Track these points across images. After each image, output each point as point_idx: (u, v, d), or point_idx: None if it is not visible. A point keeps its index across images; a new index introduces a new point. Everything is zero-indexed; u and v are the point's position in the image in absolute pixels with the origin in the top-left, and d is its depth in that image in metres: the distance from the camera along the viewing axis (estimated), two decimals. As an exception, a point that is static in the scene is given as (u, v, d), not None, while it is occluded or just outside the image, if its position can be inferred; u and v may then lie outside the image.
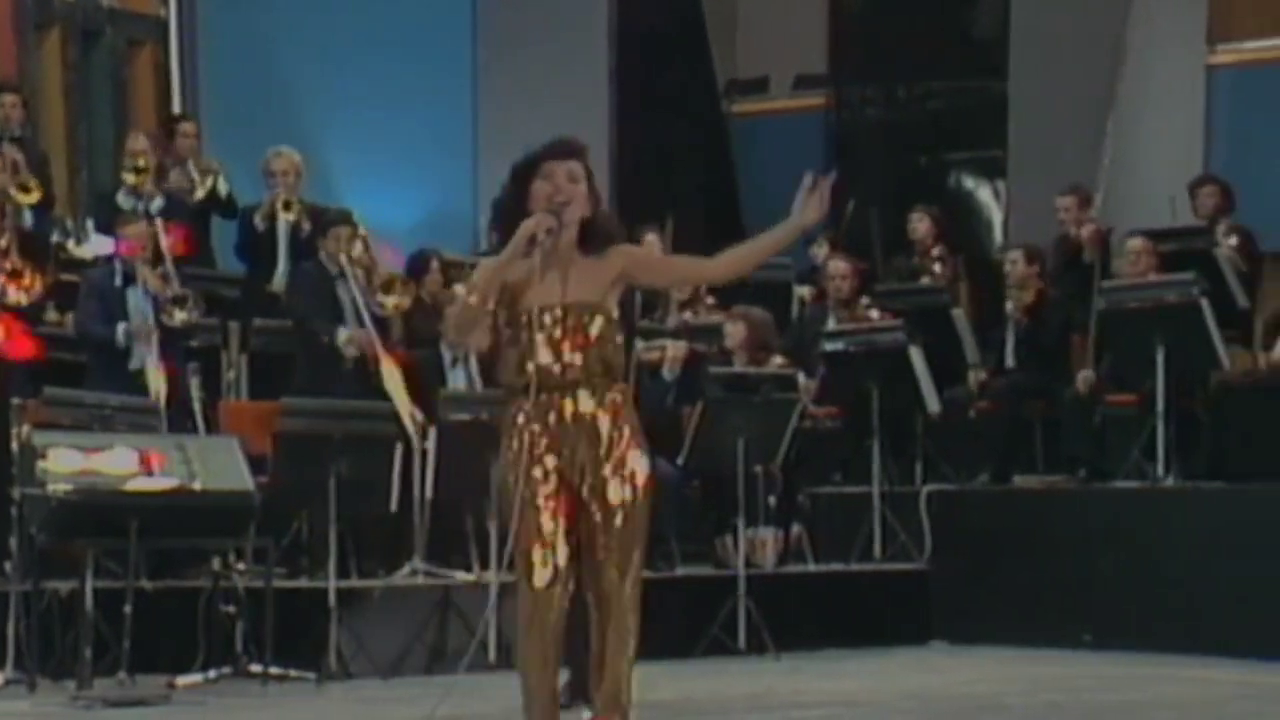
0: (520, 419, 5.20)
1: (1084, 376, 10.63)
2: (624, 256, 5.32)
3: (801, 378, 10.69)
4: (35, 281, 9.74)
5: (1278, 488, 9.76)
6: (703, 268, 5.69)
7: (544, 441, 5.19)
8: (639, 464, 5.24)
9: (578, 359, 5.19)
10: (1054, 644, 9.89)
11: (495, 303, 5.25)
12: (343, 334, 9.70)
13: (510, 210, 5.28)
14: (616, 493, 5.20)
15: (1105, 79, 13.13)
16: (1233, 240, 11.05)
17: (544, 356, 5.18)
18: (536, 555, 5.18)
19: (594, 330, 5.20)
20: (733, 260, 5.56)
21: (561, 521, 5.20)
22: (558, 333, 5.19)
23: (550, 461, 5.20)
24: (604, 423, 5.20)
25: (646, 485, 5.25)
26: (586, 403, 5.20)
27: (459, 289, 9.98)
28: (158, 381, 9.32)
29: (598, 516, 5.19)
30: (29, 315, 9.84)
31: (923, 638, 10.36)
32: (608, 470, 5.19)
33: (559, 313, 5.19)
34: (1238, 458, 10.14)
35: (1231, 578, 9.52)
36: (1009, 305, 11.14)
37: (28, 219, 10.47)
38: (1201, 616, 9.58)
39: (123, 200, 10.65)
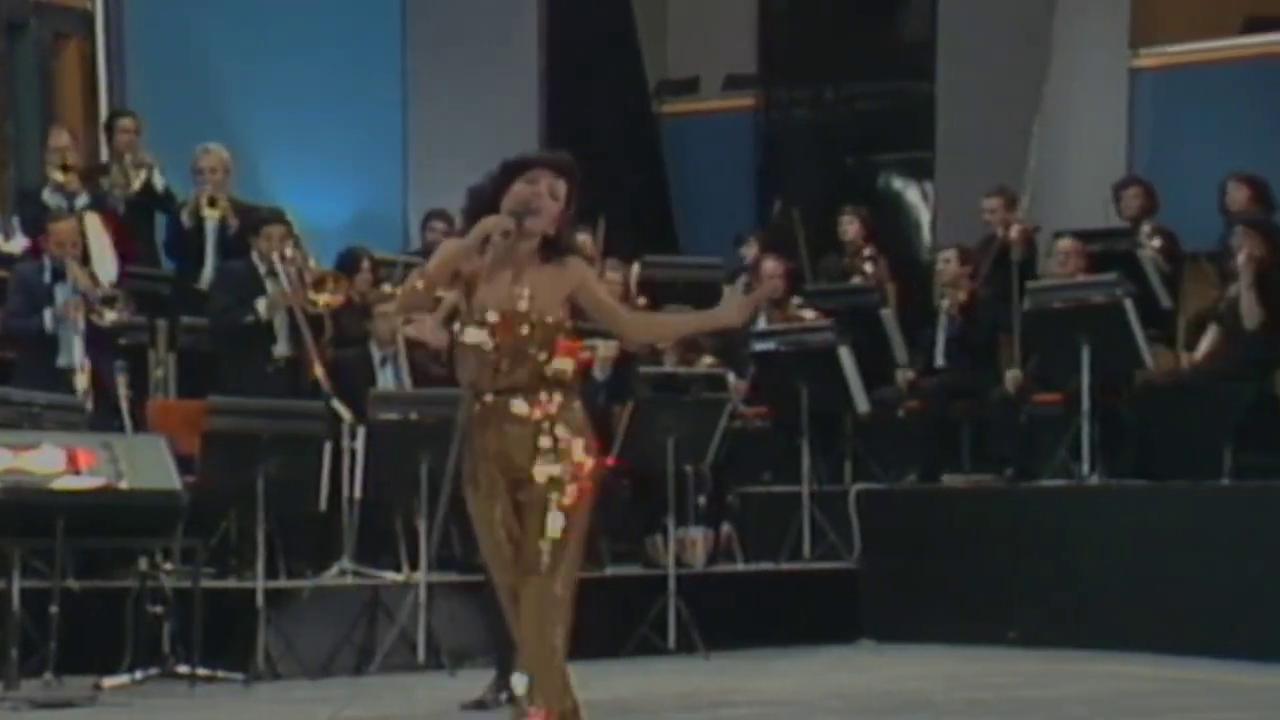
0: (471, 419, 5.21)
1: (1012, 376, 10.72)
2: (579, 276, 5.32)
3: (731, 378, 10.73)
4: None
5: (1201, 486, 9.88)
6: (624, 325, 5.64)
7: (492, 444, 5.19)
8: (569, 469, 5.21)
9: (518, 364, 5.19)
10: (981, 642, 9.97)
11: (452, 291, 5.24)
12: (261, 304, 9.62)
13: (483, 202, 5.26)
14: (545, 495, 5.19)
15: (1032, 81, 13.22)
16: (1156, 241, 11.17)
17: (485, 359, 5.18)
18: (498, 554, 5.18)
19: (538, 336, 5.19)
20: (650, 328, 6.16)
21: (507, 518, 5.20)
22: (501, 336, 5.19)
23: (493, 463, 5.20)
24: (540, 426, 5.19)
25: (581, 491, 5.22)
26: (521, 407, 5.19)
27: (387, 288, 9.97)
28: (84, 378, 9.26)
29: (531, 518, 5.19)
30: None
31: (851, 636, 10.42)
32: (540, 472, 5.18)
33: (500, 317, 5.18)
34: (1162, 456, 10.25)
35: (1155, 575, 9.62)
36: (944, 303, 11.22)
37: None
38: (1125, 613, 9.68)
39: (49, 198, 10.56)
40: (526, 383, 5.18)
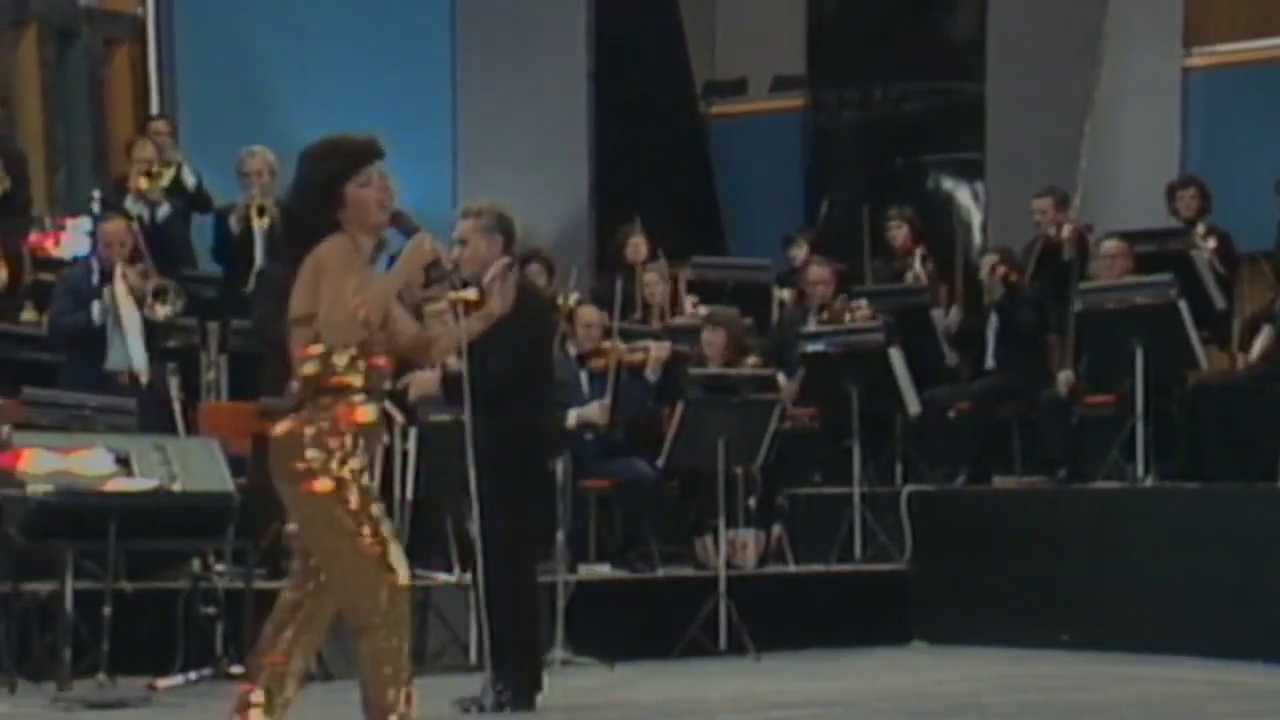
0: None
1: (1064, 377, 10.66)
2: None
3: (781, 379, 10.70)
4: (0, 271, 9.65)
5: (1254, 487, 9.81)
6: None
7: None
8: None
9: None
10: (1032, 644, 9.92)
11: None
12: None
13: (311, 219, 5.13)
14: None
15: (1082, 81, 13.16)
16: (1211, 242, 11.09)
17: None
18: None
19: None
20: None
21: None
22: None
23: None
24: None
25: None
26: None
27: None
28: (140, 357, 9.28)
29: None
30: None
31: (902, 638, 10.38)
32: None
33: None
34: (1214, 458, 10.17)
35: (1208, 578, 9.55)
36: (986, 302, 11.18)
37: None
38: (1178, 616, 9.62)
39: (131, 206, 10.57)
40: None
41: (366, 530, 5.14)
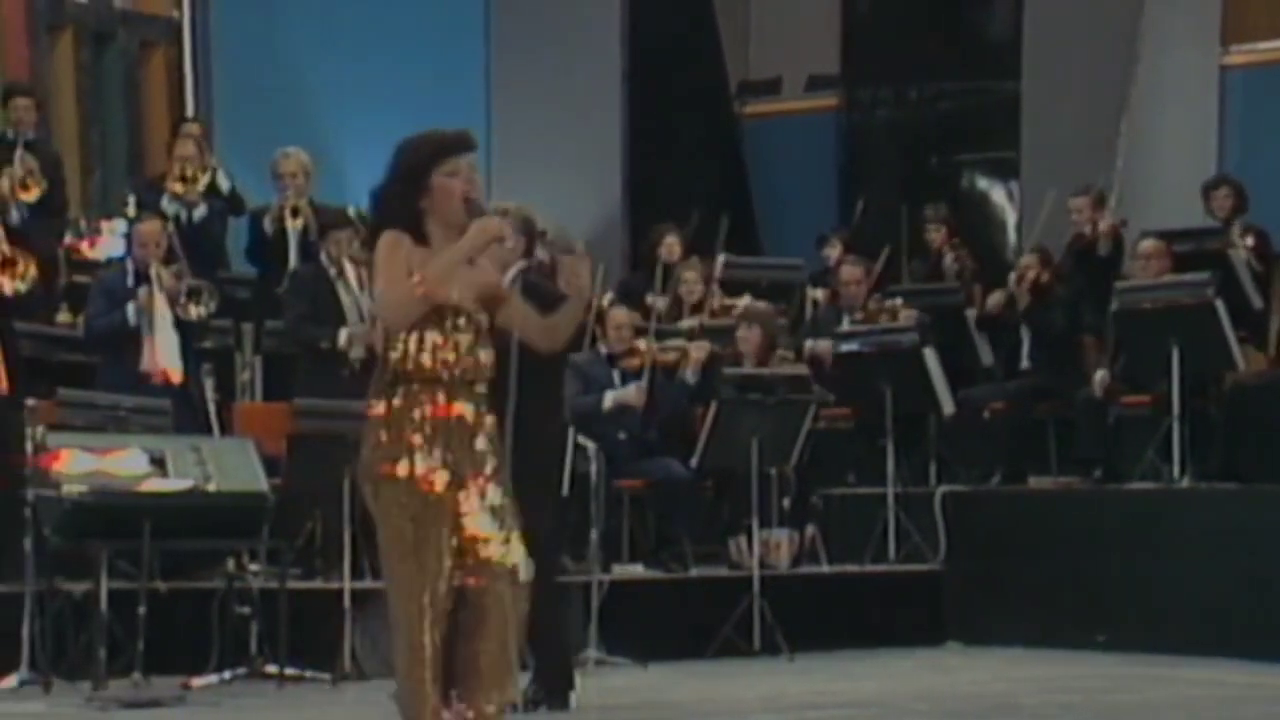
0: None
1: (1100, 377, 10.60)
2: None
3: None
4: (29, 268, 9.67)
5: (1292, 488, 9.75)
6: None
7: None
8: None
9: None
10: (1068, 645, 9.87)
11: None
12: (343, 335, 9.66)
13: (396, 207, 5.08)
14: None
15: (1118, 80, 13.10)
16: (1248, 241, 11.02)
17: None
18: None
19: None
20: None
21: None
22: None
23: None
24: None
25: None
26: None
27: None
28: (173, 358, 9.32)
29: None
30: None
31: (937, 639, 10.35)
32: None
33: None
34: (1251, 458, 10.11)
35: (1245, 579, 9.49)
36: (1016, 303, 11.15)
37: (14, 216, 10.34)
38: (1215, 618, 9.56)
39: (167, 206, 10.60)
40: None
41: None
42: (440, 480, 5.02)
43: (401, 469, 5.02)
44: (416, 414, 5.03)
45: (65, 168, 11.54)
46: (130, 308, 9.44)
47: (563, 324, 5.32)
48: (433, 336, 5.04)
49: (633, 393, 9.79)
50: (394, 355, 5.07)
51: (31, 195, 10.44)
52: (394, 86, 13.35)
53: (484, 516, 5.05)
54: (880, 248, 12.49)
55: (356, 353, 9.63)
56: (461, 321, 5.08)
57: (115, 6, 13.45)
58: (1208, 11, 13.10)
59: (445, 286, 5.00)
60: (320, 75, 13.49)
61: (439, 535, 4.99)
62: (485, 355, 5.13)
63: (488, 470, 5.09)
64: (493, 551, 5.04)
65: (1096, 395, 10.59)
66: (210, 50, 13.62)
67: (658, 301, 11.50)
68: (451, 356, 5.05)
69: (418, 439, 5.02)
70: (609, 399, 9.81)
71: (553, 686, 7.36)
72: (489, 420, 5.13)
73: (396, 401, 5.06)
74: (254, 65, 13.45)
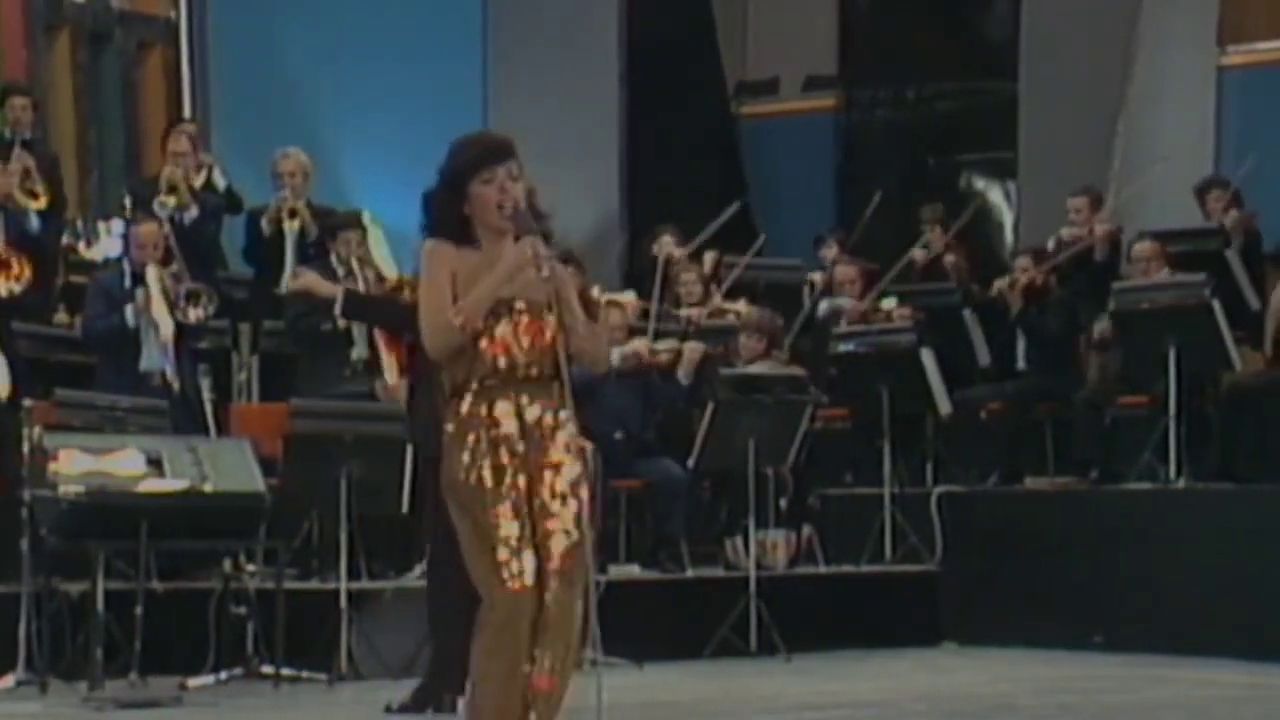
0: None
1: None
2: None
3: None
4: (24, 270, 9.67)
5: (1288, 489, 9.76)
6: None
7: None
8: None
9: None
10: (1065, 645, 9.88)
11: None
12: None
13: (445, 214, 5.08)
14: None
15: (1116, 80, 13.10)
16: (1232, 214, 11.04)
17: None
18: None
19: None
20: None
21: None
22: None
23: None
24: None
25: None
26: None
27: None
28: (166, 360, 9.32)
29: None
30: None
31: (933, 639, 10.35)
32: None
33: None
34: (1248, 459, 10.12)
35: (1242, 579, 9.51)
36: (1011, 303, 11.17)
37: (34, 224, 10.37)
38: (1213, 618, 9.56)
39: (158, 208, 10.59)
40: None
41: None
42: (508, 475, 5.01)
43: (474, 474, 5.01)
44: (484, 413, 5.01)
45: (62, 168, 11.54)
46: (128, 310, 9.44)
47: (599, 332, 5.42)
48: (503, 330, 5.03)
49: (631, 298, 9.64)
50: (460, 359, 5.04)
51: (41, 204, 10.43)
52: (391, 87, 13.35)
53: (555, 504, 5.05)
54: (879, 247, 12.49)
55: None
56: (524, 320, 5.05)
57: (112, 7, 13.44)
58: (1205, 12, 13.11)
59: (479, 317, 5.00)
60: (317, 76, 13.48)
61: (521, 531, 4.99)
62: (547, 352, 5.08)
63: (554, 458, 5.06)
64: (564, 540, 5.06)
65: (1093, 389, 10.56)
66: (207, 51, 13.61)
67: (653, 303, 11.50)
68: (519, 353, 5.04)
69: (485, 441, 5.00)
70: (616, 355, 9.47)
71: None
72: (561, 415, 5.09)
73: (465, 406, 5.04)
74: (251, 66, 13.44)
